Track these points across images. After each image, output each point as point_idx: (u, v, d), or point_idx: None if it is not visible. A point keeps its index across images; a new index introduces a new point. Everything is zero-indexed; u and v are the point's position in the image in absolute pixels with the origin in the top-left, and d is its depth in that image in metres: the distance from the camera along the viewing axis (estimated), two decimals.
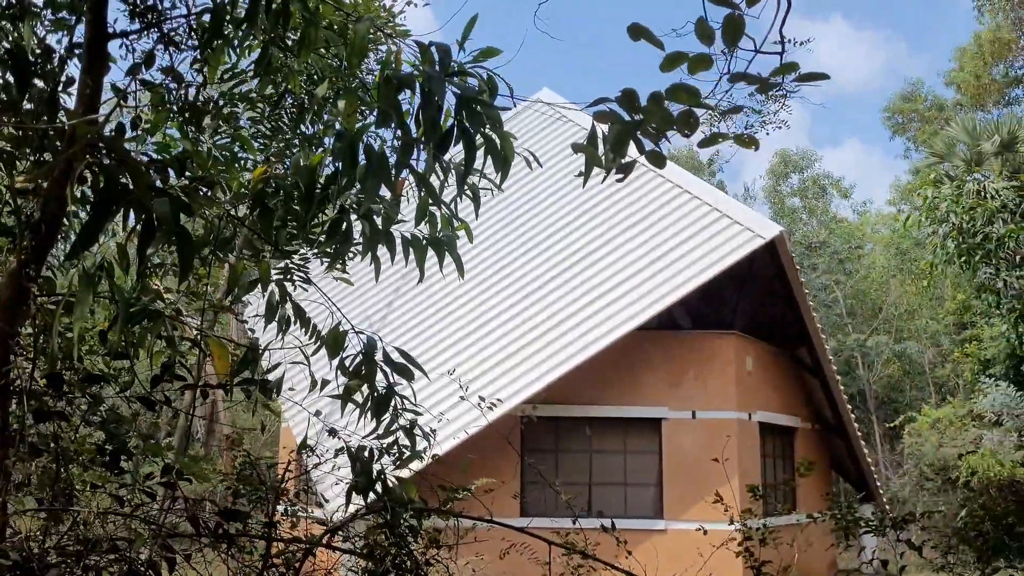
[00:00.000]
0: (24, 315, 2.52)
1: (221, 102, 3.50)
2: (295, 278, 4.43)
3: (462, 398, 5.35)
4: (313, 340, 3.84)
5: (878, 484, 19.51)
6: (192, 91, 3.35)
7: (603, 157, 2.24)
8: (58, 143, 2.70)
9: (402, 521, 2.94)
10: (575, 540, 3.83)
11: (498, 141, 2.49)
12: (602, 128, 2.38)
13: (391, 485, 3.09)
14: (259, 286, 3.41)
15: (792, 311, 16.41)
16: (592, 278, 14.96)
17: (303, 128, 3.64)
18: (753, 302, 17.12)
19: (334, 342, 3.39)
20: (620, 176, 1.87)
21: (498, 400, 10.43)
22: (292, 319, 3.68)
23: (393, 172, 2.61)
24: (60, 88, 2.81)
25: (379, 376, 3.39)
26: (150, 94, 3.31)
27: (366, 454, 3.15)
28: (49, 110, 2.68)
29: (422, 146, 2.47)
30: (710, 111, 1.69)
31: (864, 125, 78.94)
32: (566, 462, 14.83)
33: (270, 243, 3.23)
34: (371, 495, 3.23)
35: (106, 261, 3.34)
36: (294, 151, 3.79)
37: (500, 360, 14.28)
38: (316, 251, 4.59)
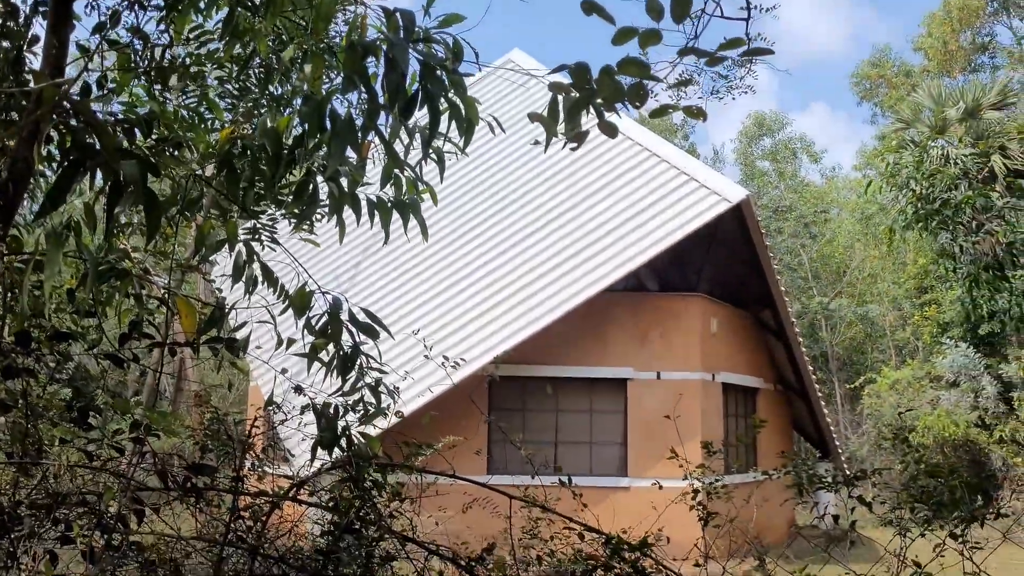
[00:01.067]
0: None
1: (188, 62, 3.51)
2: (262, 238, 4.47)
3: (426, 357, 5.42)
4: (281, 300, 3.90)
5: (837, 444, 19.96)
6: (158, 51, 3.35)
7: (562, 125, 2.32)
8: (24, 102, 2.72)
9: (366, 476, 3.03)
10: (536, 495, 3.96)
11: (462, 106, 2.55)
12: (561, 97, 2.45)
13: (356, 441, 3.18)
14: (226, 246, 3.46)
15: (757, 274, 16.65)
16: (559, 240, 15.05)
17: (270, 90, 3.66)
18: (719, 265, 17.33)
19: (300, 302, 3.46)
20: (574, 145, 1.95)
21: (462, 359, 10.54)
22: (259, 279, 3.73)
23: (359, 136, 2.66)
24: (25, 47, 2.81)
25: (345, 335, 3.47)
26: (116, 54, 3.32)
27: (331, 411, 3.23)
28: (14, 69, 2.69)
29: (387, 111, 2.52)
30: (664, 82, 1.77)
31: (831, 90, 79.33)
32: (532, 421, 15.03)
33: (237, 204, 3.27)
34: (336, 451, 3.32)
35: (73, 220, 3.37)
36: (261, 113, 3.81)
37: (467, 321, 14.39)
38: (283, 212, 4.63)
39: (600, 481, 14.26)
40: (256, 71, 3.75)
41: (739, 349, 17.14)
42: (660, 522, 5.04)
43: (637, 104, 1.77)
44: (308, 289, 3.48)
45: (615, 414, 15.29)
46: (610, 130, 1.86)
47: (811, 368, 18.75)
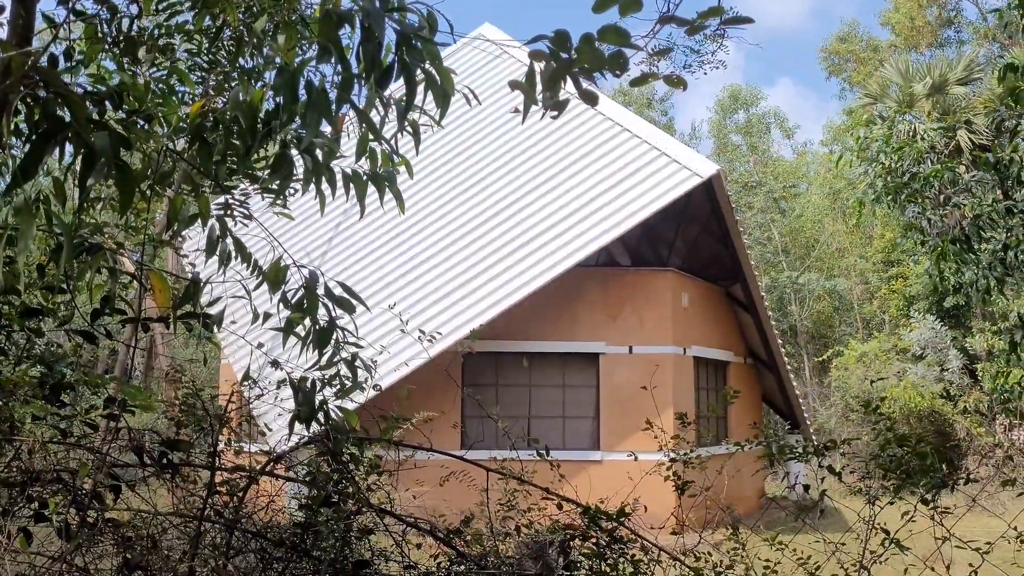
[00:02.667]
0: None
1: (157, 33, 3.44)
2: (235, 213, 4.42)
3: (402, 331, 5.41)
4: (254, 274, 3.87)
5: (806, 415, 20.23)
6: (126, 22, 3.29)
7: (540, 95, 2.31)
8: None
9: (344, 450, 3.03)
10: (512, 469, 3.98)
11: (438, 77, 2.53)
12: (539, 66, 2.44)
13: (333, 415, 3.17)
14: (199, 220, 3.42)
15: (728, 249, 16.76)
16: (532, 215, 15.05)
17: (241, 62, 3.61)
18: (690, 240, 17.43)
19: (275, 276, 3.43)
20: (554, 114, 1.95)
21: (438, 333, 10.53)
22: (233, 253, 3.69)
23: (334, 107, 2.63)
24: None
25: (321, 310, 3.45)
26: (83, 25, 3.25)
27: (308, 385, 3.22)
28: None
29: (363, 81, 2.50)
30: (642, 51, 1.76)
31: (797, 65, 79.57)
32: (506, 396, 15.09)
33: (209, 177, 3.23)
34: (314, 425, 3.31)
35: (42, 194, 3.31)
36: (232, 85, 3.76)
37: (440, 297, 14.37)
38: (256, 186, 4.58)
39: (574, 455, 14.37)
40: (227, 43, 3.69)
41: (710, 323, 17.28)
42: (634, 494, 5.08)
43: (617, 72, 1.77)
44: (283, 264, 3.45)
45: (588, 388, 15.39)
46: (590, 98, 1.86)
47: (780, 341, 18.96)
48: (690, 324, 16.19)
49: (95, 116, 2.25)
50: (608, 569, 2.83)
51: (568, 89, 2.19)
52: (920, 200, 9.66)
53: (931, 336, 22.13)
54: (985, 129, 19.41)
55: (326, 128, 3.01)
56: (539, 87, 2.41)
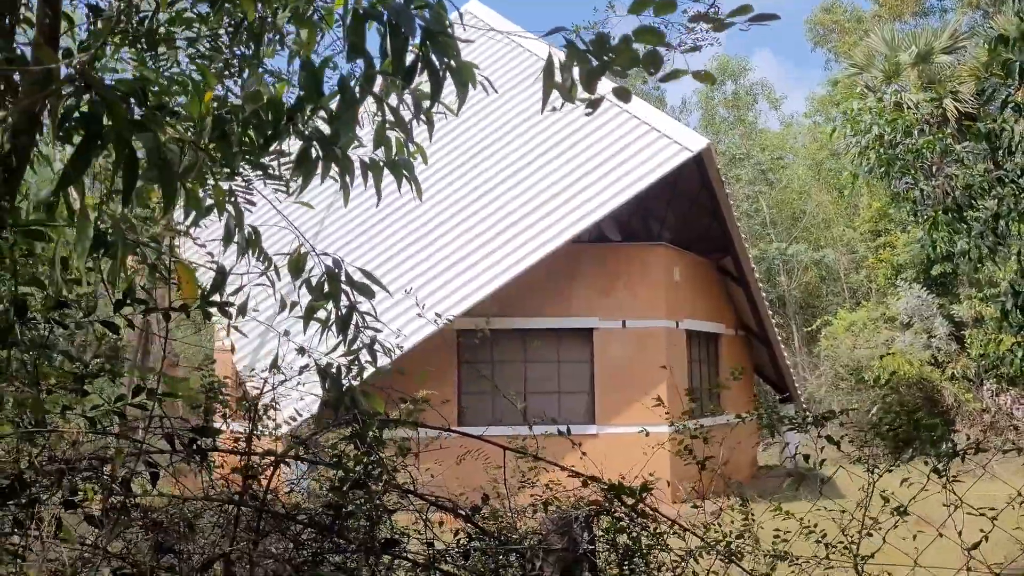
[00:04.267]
0: None
1: (174, 28, 3.48)
2: (238, 201, 4.48)
3: (419, 315, 5.49)
4: (260, 261, 3.94)
5: (796, 385, 20.47)
6: (143, 18, 3.32)
7: (565, 85, 2.39)
8: (14, 75, 2.70)
9: (372, 433, 3.12)
10: (527, 445, 4.09)
11: (459, 70, 2.60)
12: (558, 56, 2.51)
13: (358, 399, 3.26)
14: (214, 210, 3.49)
15: (718, 222, 16.88)
16: (524, 192, 15.11)
17: (260, 55, 3.65)
18: (680, 214, 17.54)
19: (296, 264, 3.51)
20: (589, 111, 2.02)
21: (437, 315, 10.62)
22: (250, 242, 3.76)
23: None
24: (18, 19, 2.79)
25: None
26: (99, 21, 3.29)
27: (334, 370, 3.31)
28: (5, 39, 2.67)
29: (388, 76, 2.57)
30: (676, 50, 1.84)
31: (775, 37, 79.45)
32: (501, 372, 15.22)
33: (230, 168, 3.30)
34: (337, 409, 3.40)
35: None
36: (243, 77, 3.80)
37: (434, 276, 14.44)
38: (258, 173, 4.61)
39: (571, 429, 14.50)
40: (243, 38, 3.73)
41: (701, 296, 17.43)
42: (627, 466, 5.20)
43: (652, 71, 1.85)
44: (303, 251, 3.53)
45: (582, 363, 15.52)
46: (624, 96, 1.94)
47: (770, 313, 19.14)
48: (682, 298, 16.32)
49: (135, 116, 2.31)
50: (631, 543, 2.94)
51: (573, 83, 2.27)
52: (913, 171, 9.78)
53: (918, 304, 22.38)
54: (970, 98, 19.54)
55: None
56: (558, 77, 2.49)
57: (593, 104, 2.00)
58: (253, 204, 4.62)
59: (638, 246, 16.33)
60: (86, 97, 2.66)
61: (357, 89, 2.65)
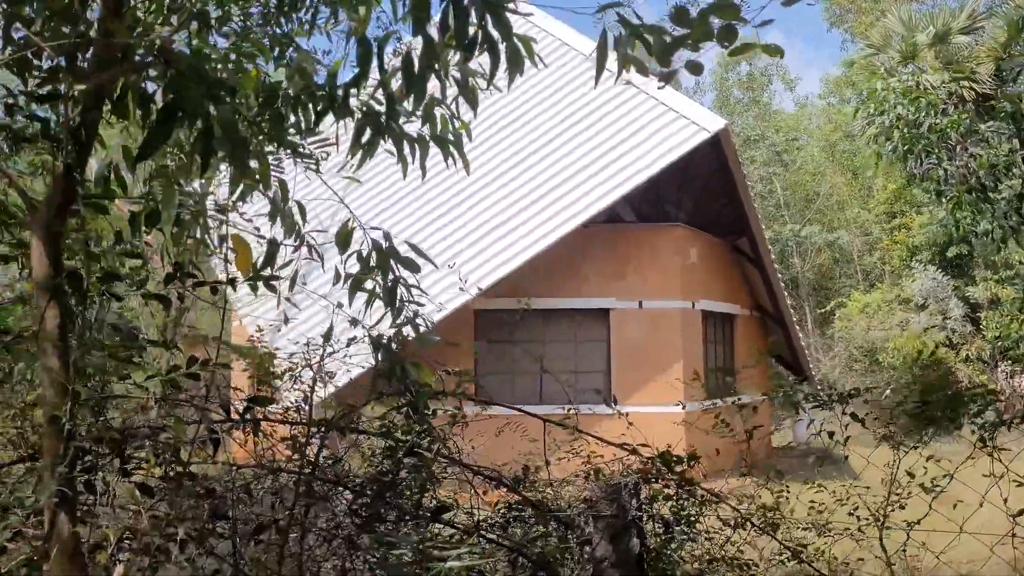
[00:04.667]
0: (69, 215, 2.64)
1: (208, 7, 3.53)
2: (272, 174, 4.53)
3: (462, 290, 5.54)
4: (292, 238, 4.00)
5: (810, 366, 20.51)
6: None
7: (620, 59, 2.44)
8: (83, 51, 2.76)
9: (424, 404, 3.20)
10: (567, 420, 4.18)
11: (520, 46, 2.66)
12: (613, 33, 2.56)
13: (408, 369, 3.34)
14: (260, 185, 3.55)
15: (734, 203, 16.87)
16: (541, 173, 15.13)
17: (293, 33, 3.70)
18: (697, 195, 17.53)
19: (344, 238, 3.59)
20: (661, 84, 2.08)
21: (462, 289, 10.68)
22: (297, 215, 3.83)
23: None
24: None
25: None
26: None
27: (385, 342, 3.38)
28: (75, 17, 2.72)
29: (451, 51, 2.62)
30: (749, 24, 1.89)
31: (786, 19, 78.67)
32: (518, 352, 15.29)
33: (282, 144, 3.36)
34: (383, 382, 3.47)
35: (114, 163, 3.43)
36: (290, 55, 3.85)
37: (453, 255, 14.49)
38: (288, 153, 4.66)
39: (586, 408, 14.57)
40: (281, 13, 3.77)
41: (717, 277, 17.46)
42: (649, 444, 5.26)
43: (726, 44, 1.90)
44: (351, 226, 3.60)
45: (598, 343, 15.60)
46: (697, 69, 2.00)
47: (785, 294, 19.16)
48: (698, 278, 16.35)
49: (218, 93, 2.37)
50: (679, 510, 3.02)
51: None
52: (936, 151, 9.77)
53: (933, 286, 22.36)
54: (988, 78, 19.43)
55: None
56: (611, 54, 2.55)
57: (667, 78, 2.05)
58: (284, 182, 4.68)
59: (654, 227, 16.36)
60: (152, 72, 2.73)
61: (419, 65, 2.71)
